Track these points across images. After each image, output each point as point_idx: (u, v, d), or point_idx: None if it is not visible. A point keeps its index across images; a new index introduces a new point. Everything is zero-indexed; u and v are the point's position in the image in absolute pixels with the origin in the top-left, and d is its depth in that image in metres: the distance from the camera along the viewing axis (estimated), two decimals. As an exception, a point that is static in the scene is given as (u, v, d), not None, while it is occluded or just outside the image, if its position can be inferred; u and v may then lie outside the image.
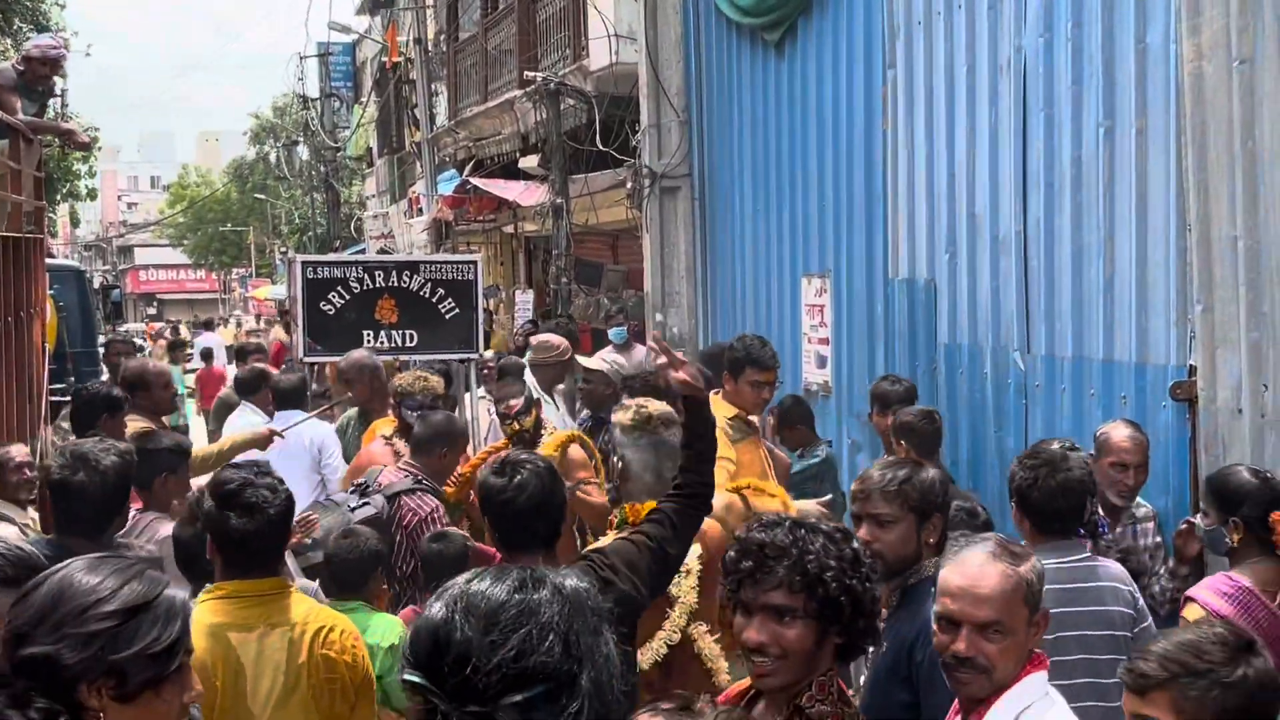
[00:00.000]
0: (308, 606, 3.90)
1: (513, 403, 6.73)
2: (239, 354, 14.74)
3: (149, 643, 2.49)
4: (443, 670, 1.98)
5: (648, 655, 4.66)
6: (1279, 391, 5.58)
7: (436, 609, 2.04)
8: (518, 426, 6.57)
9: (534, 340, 9.63)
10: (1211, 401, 5.90)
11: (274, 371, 10.37)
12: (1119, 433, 5.66)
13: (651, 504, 4.66)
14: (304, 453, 8.01)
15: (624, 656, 2.16)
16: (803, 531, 2.96)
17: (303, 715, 3.71)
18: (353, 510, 5.92)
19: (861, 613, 2.96)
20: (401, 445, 6.74)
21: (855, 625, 2.96)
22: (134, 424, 6.85)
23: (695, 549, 4.73)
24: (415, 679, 2.00)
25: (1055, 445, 4.76)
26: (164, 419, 7.76)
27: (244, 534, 3.78)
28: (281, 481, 3.98)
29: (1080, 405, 6.90)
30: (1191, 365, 6.06)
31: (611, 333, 11.59)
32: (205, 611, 3.68)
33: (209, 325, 32.09)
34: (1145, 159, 6.40)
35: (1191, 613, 4.40)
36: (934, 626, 3.26)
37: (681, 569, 4.62)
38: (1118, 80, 6.60)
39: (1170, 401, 6.19)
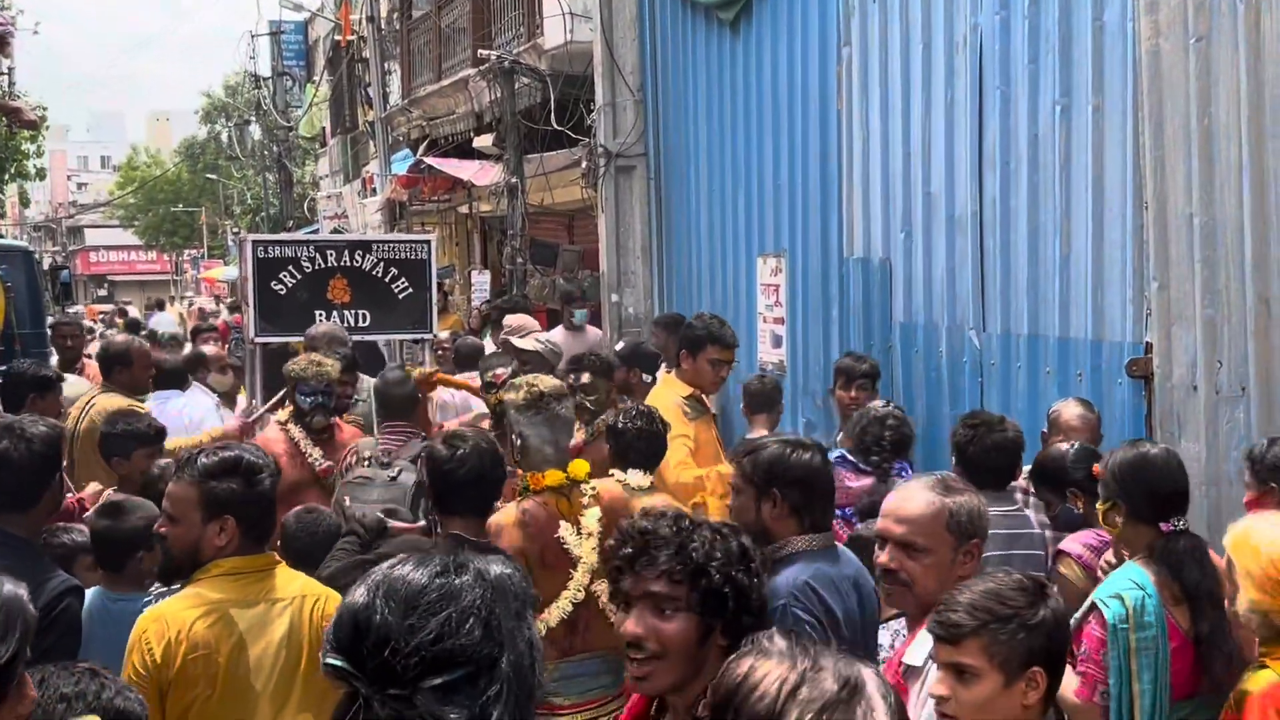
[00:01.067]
0: (302, 580, 3.88)
1: (499, 372, 6.62)
2: (192, 334, 14.59)
3: None
4: (363, 654, 1.98)
5: (554, 614, 4.76)
6: (1234, 368, 5.60)
7: (359, 594, 2.04)
8: (502, 397, 6.48)
9: (507, 321, 9.59)
10: (1167, 378, 5.92)
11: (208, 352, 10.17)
12: (1069, 411, 5.73)
13: (554, 471, 4.91)
14: (184, 431, 7.84)
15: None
16: (688, 524, 2.89)
17: (304, 688, 3.67)
18: (393, 480, 5.65)
19: (748, 609, 2.82)
20: (298, 431, 6.45)
21: (740, 622, 2.78)
22: (111, 401, 6.84)
23: (595, 511, 4.90)
24: (336, 663, 2.00)
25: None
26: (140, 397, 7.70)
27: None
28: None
29: (1036, 382, 6.91)
30: (1147, 342, 6.08)
31: (576, 314, 11.58)
32: (205, 589, 3.65)
33: (160, 306, 32.22)
34: (1102, 137, 6.40)
35: (1066, 566, 4.66)
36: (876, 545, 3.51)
37: (583, 531, 4.86)
38: (1074, 58, 6.59)
39: (1126, 378, 6.21)
